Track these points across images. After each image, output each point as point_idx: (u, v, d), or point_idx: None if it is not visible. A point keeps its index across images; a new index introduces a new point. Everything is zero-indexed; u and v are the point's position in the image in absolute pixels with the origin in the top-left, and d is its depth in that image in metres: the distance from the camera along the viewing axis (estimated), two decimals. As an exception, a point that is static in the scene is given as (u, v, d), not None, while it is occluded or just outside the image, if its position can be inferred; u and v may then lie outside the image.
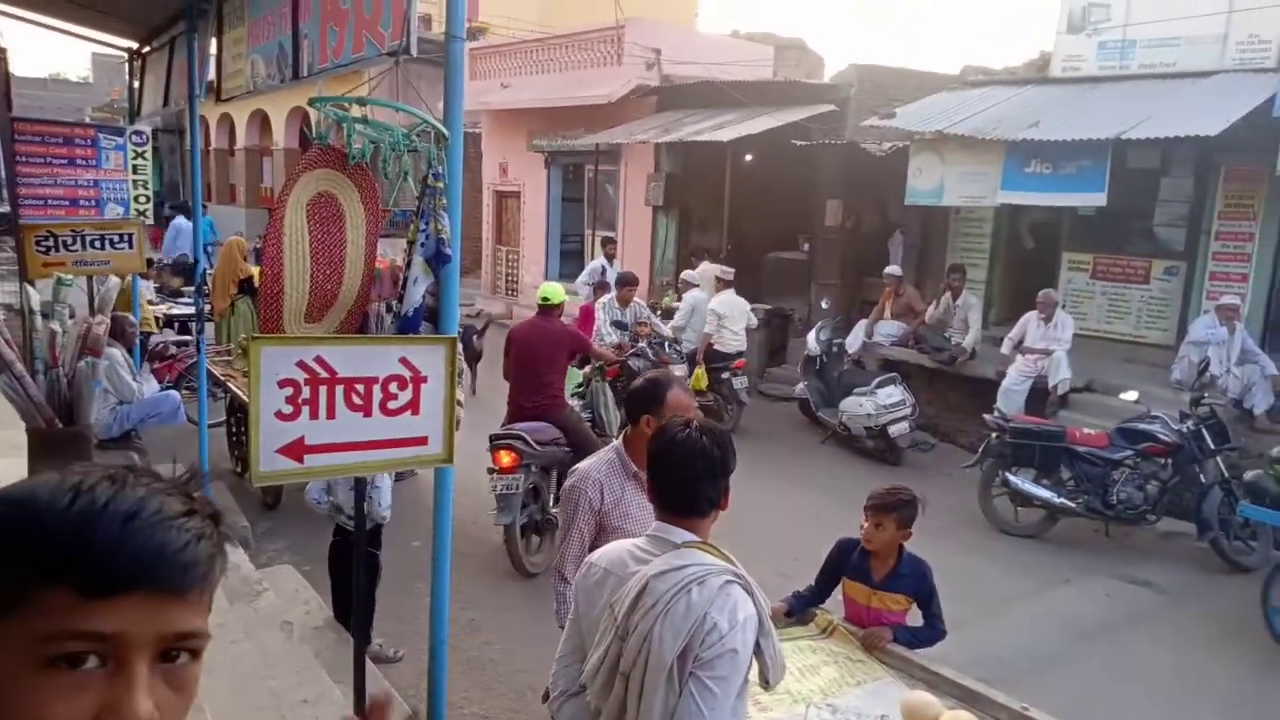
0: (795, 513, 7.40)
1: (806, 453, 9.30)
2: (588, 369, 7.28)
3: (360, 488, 3.29)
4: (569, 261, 15.85)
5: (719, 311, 9.96)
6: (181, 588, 0.79)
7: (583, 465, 2.85)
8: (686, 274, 10.83)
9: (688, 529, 2.02)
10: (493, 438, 5.77)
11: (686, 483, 2.02)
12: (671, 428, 2.09)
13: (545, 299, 6.26)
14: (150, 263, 10.10)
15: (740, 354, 9.76)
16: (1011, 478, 7.34)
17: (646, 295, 12.60)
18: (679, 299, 10.78)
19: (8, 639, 0.75)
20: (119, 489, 0.79)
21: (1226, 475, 6.79)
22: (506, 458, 5.65)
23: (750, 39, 16.43)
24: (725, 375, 9.50)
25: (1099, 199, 8.35)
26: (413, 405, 2.85)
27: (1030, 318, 9.04)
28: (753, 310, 11.94)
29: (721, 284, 10.63)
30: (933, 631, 3.32)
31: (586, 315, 9.21)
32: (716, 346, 9.71)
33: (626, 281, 8.98)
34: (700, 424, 2.09)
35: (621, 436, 2.87)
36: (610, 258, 12.22)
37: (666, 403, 2.73)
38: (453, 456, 2.97)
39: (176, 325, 10.37)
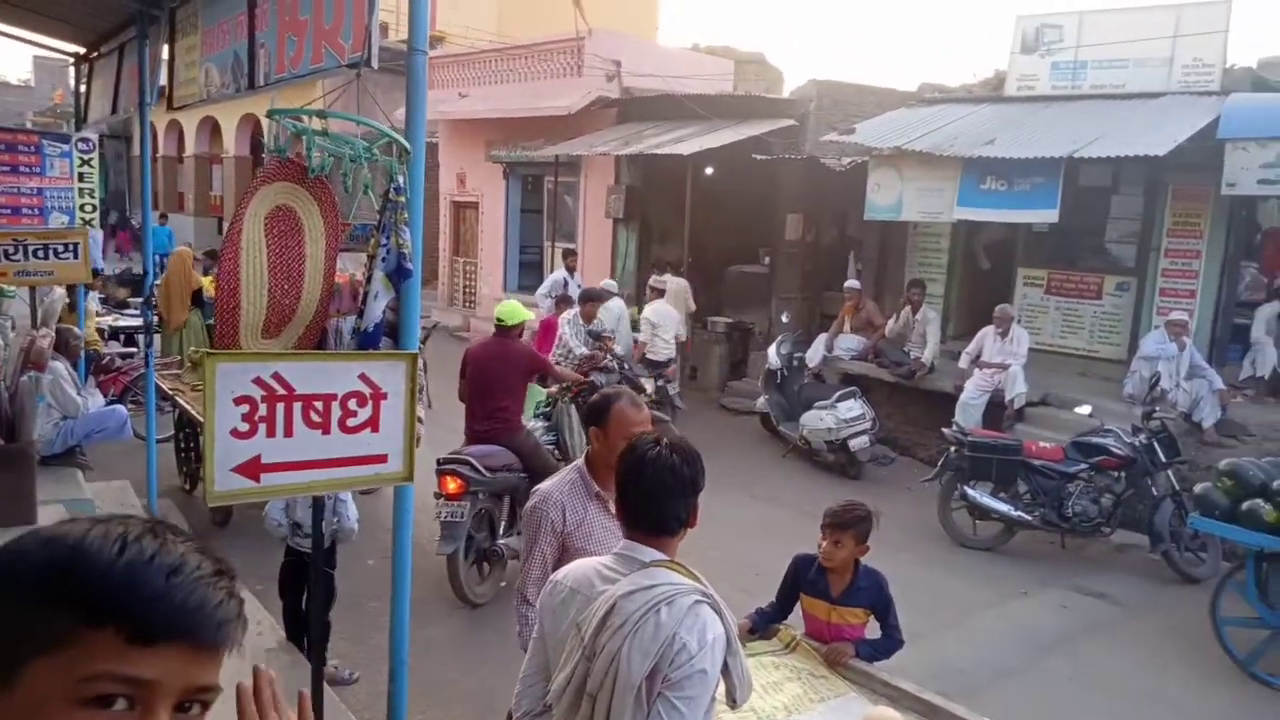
0: (757, 527, 7.42)
1: (768, 467, 9.35)
2: (554, 388, 7.20)
3: (319, 507, 3.25)
4: (528, 273, 15.76)
5: (652, 320, 10.13)
6: (216, 643, 0.84)
7: (544, 486, 2.84)
8: (605, 282, 10.95)
9: (656, 548, 2.02)
10: (439, 462, 5.66)
11: (655, 501, 2.01)
12: (641, 446, 2.07)
13: (500, 320, 6.14)
14: (96, 273, 9.86)
15: (671, 361, 10.05)
16: (970, 491, 7.42)
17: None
18: (638, 311, 10.93)
19: (48, 675, 0.79)
20: (162, 543, 0.83)
21: (1177, 488, 6.93)
22: (452, 484, 5.54)
23: (711, 53, 16.53)
24: (660, 383, 9.61)
25: (1051, 216, 8.55)
26: (372, 422, 2.83)
27: (987, 332, 9.18)
28: (715, 322, 12.22)
29: (654, 293, 10.75)
30: (891, 642, 3.38)
31: (547, 328, 9.20)
32: (649, 355, 9.83)
33: (591, 298, 8.97)
34: (671, 442, 2.08)
35: (584, 456, 2.88)
36: (571, 270, 12.22)
37: (610, 417, 2.75)
38: (413, 474, 2.95)
39: (122, 337, 10.13)
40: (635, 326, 10.47)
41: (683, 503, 2.03)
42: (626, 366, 8.78)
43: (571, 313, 9.02)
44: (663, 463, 2.02)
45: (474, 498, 5.62)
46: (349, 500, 4.50)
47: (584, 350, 8.56)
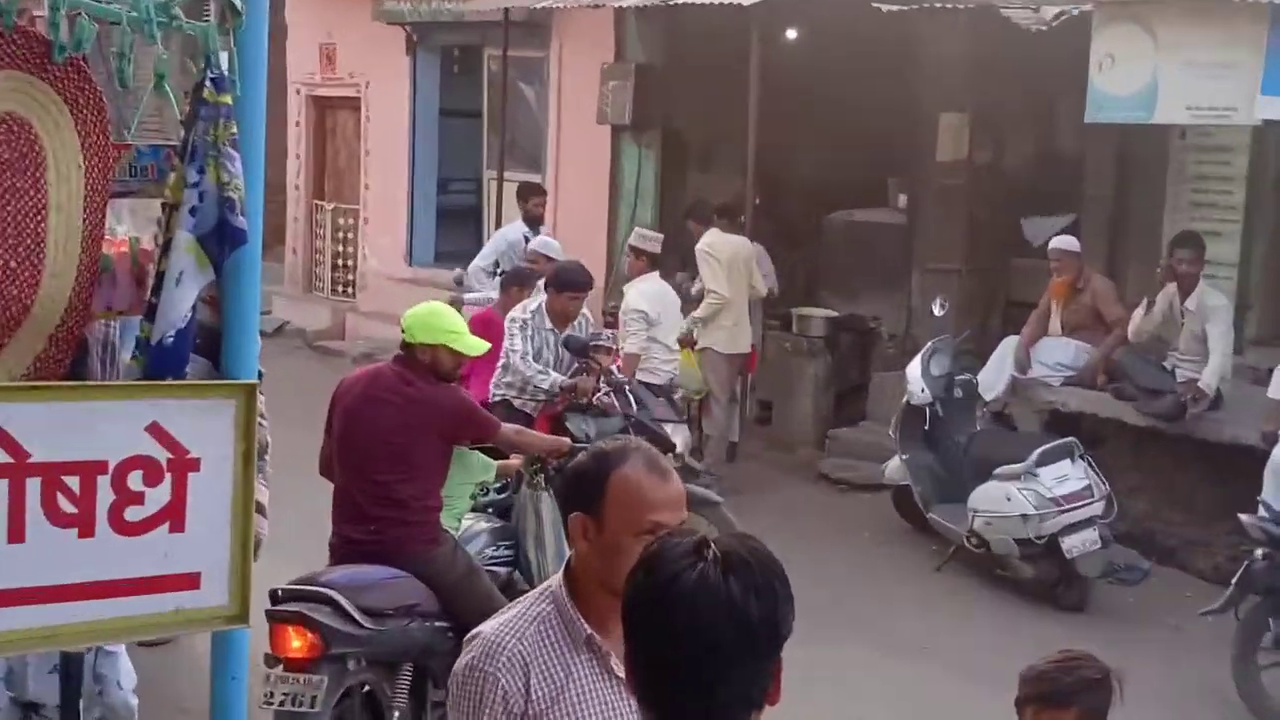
0: (893, 700, 7.47)
1: (909, 588, 9.41)
2: (514, 460, 7.22)
3: (71, 671, 3.26)
4: (455, 229, 15.71)
5: (646, 311, 10.16)
6: None
7: (489, 628, 2.86)
8: (539, 241, 11.10)
9: (706, 749, 1.97)
10: (274, 597, 5.71)
11: (702, 668, 2.01)
12: (670, 557, 2.07)
13: (406, 334, 6.30)
14: None
15: (673, 384, 10.35)
16: (1293, 635, 7.30)
17: (602, 296, 12.40)
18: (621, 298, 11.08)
19: None
20: None
21: None
22: (297, 639, 5.58)
23: None
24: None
25: None
26: (173, 512, 2.88)
27: (1321, 333, 9.15)
28: (806, 318, 12.23)
29: (639, 259, 10.68)
30: None
31: (485, 328, 8.98)
32: (642, 375, 9.98)
33: (571, 284, 8.96)
34: (727, 550, 2.06)
35: (562, 569, 2.93)
36: (535, 221, 12.30)
37: (609, 494, 2.77)
38: (248, 610, 2.99)
39: None
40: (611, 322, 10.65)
41: (753, 667, 2.02)
42: (638, 403, 8.80)
43: (533, 306, 9.03)
44: (713, 594, 2.00)
45: (339, 668, 5.66)
46: (122, 657, 4.52)
47: (552, 379, 8.57)
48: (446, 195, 16.32)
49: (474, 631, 2.89)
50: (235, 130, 3.00)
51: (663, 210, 13.60)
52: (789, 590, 2.09)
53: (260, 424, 3.14)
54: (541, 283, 9.41)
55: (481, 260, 12.13)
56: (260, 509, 3.19)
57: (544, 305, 8.98)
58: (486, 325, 9.11)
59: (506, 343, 8.80)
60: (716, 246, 11.35)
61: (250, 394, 2.97)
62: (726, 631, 2.00)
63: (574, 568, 2.88)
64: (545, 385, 8.57)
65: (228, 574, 2.96)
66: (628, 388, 8.89)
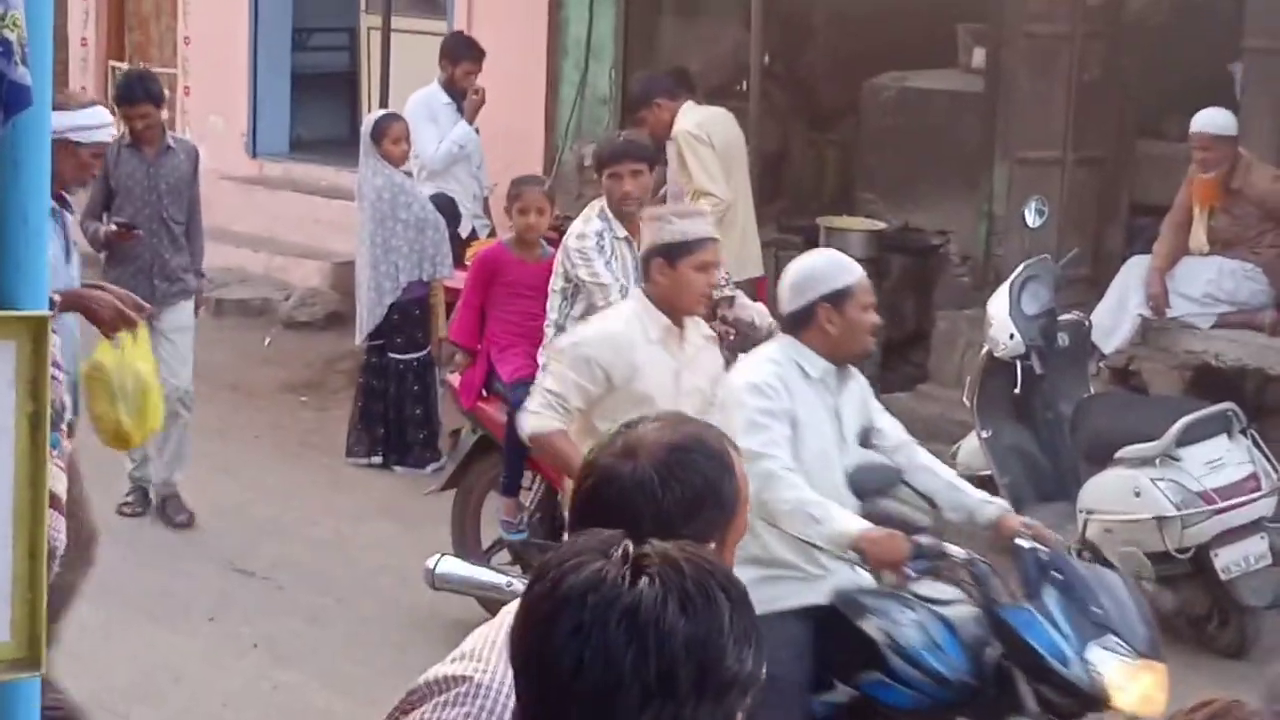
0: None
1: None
2: None
3: None
4: (318, 101, 16.15)
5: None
6: None
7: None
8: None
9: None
10: None
11: (594, 707, 2.07)
12: (560, 557, 2.17)
13: None
14: None
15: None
16: None
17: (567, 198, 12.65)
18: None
19: None
20: None
21: None
22: None
23: None
24: None
25: None
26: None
27: None
28: (837, 233, 12.35)
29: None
30: None
31: (489, 273, 9.63)
32: None
33: (618, 153, 9.03)
34: (646, 550, 2.15)
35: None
36: (457, 89, 12.67)
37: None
38: (41, 651, 3.00)
39: None
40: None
41: (670, 713, 2.06)
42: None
43: (595, 211, 8.94)
44: (610, 600, 2.06)
45: None
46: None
47: None
48: (305, 54, 16.49)
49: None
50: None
51: (627, 73, 13.72)
52: (747, 617, 2.11)
53: (54, 376, 3.09)
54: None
55: (433, 145, 12.37)
56: (55, 502, 3.18)
57: (604, 205, 8.89)
58: (491, 267, 9.73)
59: (575, 275, 8.77)
60: (708, 126, 11.40)
61: (39, 330, 2.92)
62: (625, 653, 2.01)
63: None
64: None
65: (9, 599, 2.95)
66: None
